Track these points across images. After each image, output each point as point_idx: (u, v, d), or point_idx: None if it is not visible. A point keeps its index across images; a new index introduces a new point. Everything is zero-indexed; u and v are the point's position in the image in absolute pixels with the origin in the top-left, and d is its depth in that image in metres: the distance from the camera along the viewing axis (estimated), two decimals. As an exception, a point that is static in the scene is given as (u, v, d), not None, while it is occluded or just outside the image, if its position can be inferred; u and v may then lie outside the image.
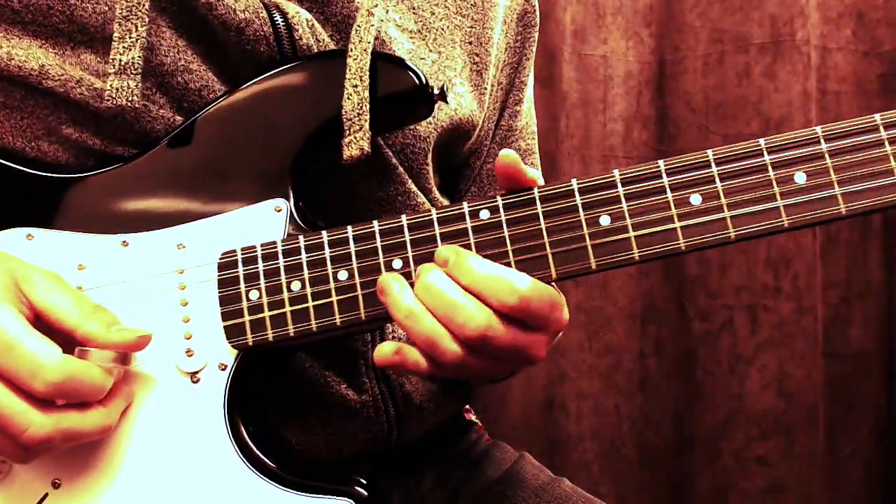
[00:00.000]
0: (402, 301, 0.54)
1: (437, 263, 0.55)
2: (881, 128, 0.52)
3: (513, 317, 0.53)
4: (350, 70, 0.60)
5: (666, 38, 1.38)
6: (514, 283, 0.52)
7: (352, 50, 0.61)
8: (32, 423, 0.50)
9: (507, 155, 0.55)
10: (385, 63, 0.62)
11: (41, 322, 0.53)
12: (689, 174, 0.54)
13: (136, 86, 0.59)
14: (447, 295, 0.53)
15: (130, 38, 0.59)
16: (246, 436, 0.57)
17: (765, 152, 0.53)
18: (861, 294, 1.40)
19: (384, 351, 0.55)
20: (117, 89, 0.59)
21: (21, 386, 0.50)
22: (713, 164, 0.54)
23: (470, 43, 0.76)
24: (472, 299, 0.53)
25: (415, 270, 0.56)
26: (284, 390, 0.67)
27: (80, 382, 0.51)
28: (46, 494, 0.56)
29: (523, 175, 0.56)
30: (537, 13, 0.84)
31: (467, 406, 0.92)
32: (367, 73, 0.60)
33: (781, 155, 0.53)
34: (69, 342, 0.53)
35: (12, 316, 0.51)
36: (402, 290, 0.54)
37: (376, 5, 0.64)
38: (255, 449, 0.57)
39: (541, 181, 0.57)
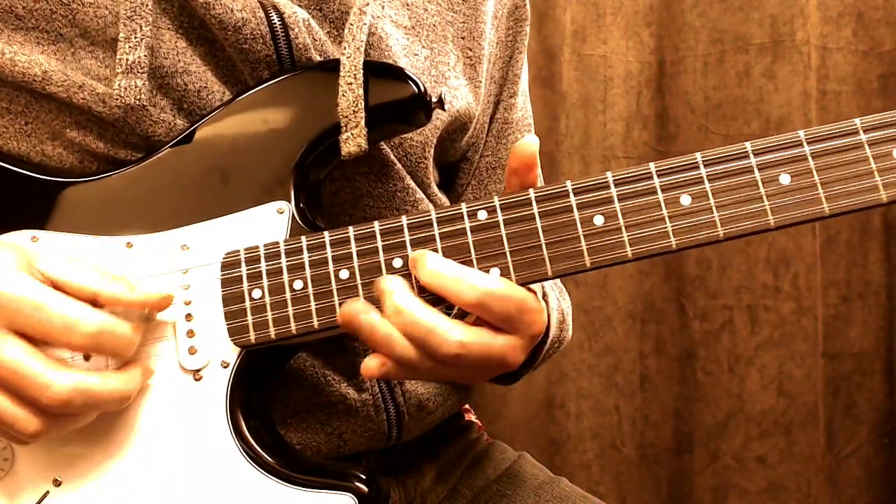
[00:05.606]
0: (379, 331, 0.54)
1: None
2: (861, 131, 0.54)
3: (477, 315, 0.54)
4: (344, 68, 0.61)
5: (666, 38, 1.38)
6: (477, 284, 0.53)
7: (345, 49, 0.62)
8: (53, 383, 0.49)
9: (527, 144, 0.56)
10: (385, 72, 0.64)
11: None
12: (679, 176, 0.55)
13: (144, 84, 0.60)
14: (419, 318, 0.53)
15: (136, 37, 0.60)
16: (247, 433, 0.58)
17: (751, 154, 0.55)
18: (861, 294, 1.39)
19: (370, 366, 0.55)
20: (125, 88, 0.60)
21: (57, 342, 0.50)
22: (702, 167, 0.55)
23: (463, 38, 0.77)
24: (443, 319, 0.53)
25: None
26: (285, 389, 0.67)
27: (113, 334, 0.52)
28: (47, 492, 0.56)
29: (534, 171, 0.56)
30: (528, 8, 0.85)
31: (467, 406, 0.92)
32: (361, 70, 0.61)
33: (766, 157, 0.54)
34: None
35: (33, 280, 0.51)
36: (375, 320, 0.54)
37: (367, 4, 0.65)
38: (256, 446, 0.58)
39: (539, 181, 0.58)
